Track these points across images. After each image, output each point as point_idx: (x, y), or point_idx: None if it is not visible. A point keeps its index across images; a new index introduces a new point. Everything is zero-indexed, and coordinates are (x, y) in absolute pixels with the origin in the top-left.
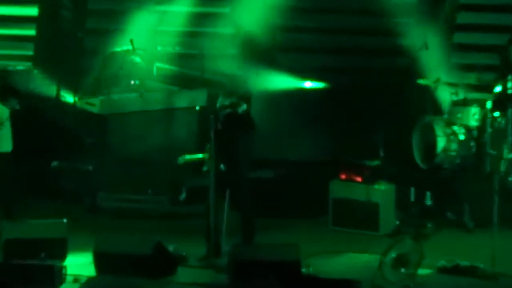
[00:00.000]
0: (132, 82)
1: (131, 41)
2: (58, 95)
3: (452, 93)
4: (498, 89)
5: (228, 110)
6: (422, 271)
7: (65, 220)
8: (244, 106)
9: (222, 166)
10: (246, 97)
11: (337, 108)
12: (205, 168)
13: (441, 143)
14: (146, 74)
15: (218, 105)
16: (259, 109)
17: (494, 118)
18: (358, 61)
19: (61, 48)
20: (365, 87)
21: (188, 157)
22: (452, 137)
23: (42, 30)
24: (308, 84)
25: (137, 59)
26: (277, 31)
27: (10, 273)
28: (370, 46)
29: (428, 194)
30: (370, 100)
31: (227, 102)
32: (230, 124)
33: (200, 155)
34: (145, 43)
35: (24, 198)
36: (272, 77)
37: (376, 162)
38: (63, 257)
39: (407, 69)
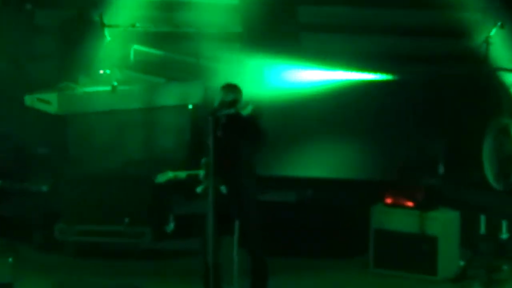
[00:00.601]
0: (101, 71)
1: (100, 15)
2: None
3: None
4: None
5: (231, 110)
6: None
7: (10, 260)
8: (249, 107)
9: (223, 187)
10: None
11: (381, 110)
12: (199, 189)
13: None
14: (120, 60)
15: (218, 103)
16: (274, 112)
17: None
18: (413, 44)
19: (5, 24)
20: (421, 80)
21: (171, 174)
22: None
23: None
24: (342, 76)
25: (108, 39)
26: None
27: None
28: (429, 25)
29: (504, 224)
30: (427, 99)
31: (229, 99)
32: (234, 130)
33: (191, 172)
34: (119, 18)
35: None
36: (292, 67)
37: (433, 182)
38: None
39: (478, 58)
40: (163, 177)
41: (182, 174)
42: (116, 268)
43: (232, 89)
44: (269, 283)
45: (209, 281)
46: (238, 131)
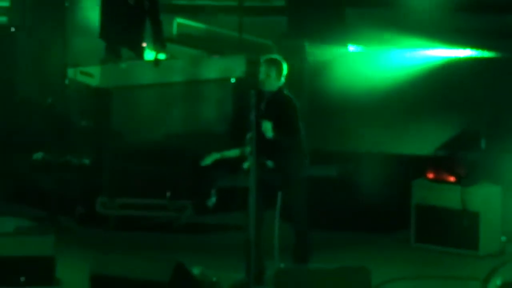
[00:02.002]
0: (144, 44)
1: None
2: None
3: None
4: None
5: (274, 86)
6: None
7: (52, 233)
8: (281, 80)
9: (269, 162)
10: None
11: (422, 84)
12: (246, 166)
13: None
14: (163, 33)
15: (261, 76)
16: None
17: None
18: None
19: None
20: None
21: (217, 155)
22: None
23: None
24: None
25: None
26: None
27: None
28: None
29: None
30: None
31: (273, 73)
32: (278, 103)
33: (237, 152)
34: None
35: None
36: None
37: (475, 156)
38: (49, 281)
39: None
40: (209, 159)
41: (229, 154)
42: (157, 242)
43: (274, 62)
44: (311, 257)
45: (250, 257)
46: (284, 105)
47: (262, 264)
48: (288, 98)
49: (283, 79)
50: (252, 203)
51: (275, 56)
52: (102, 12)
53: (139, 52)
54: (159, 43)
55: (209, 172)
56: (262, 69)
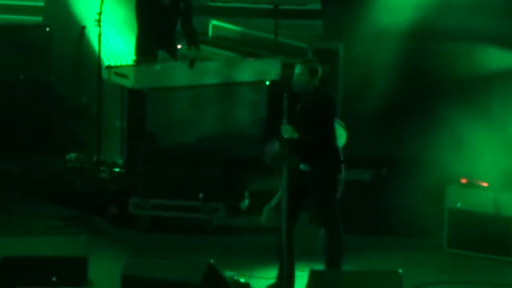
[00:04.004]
0: (179, 46)
1: None
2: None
3: None
4: None
5: (310, 87)
6: None
7: (84, 235)
8: (315, 81)
9: (302, 165)
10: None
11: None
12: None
13: None
14: (198, 35)
15: (295, 78)
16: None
17: None
18: None
19: None
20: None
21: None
22: None
23: None
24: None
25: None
26: None
27: None
28: None
29: None
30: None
31: (306, 74)
32: (313, 104)
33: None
34: None
35: (25, 205)
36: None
37: (509, 161)
38: (81, 282)
39: None
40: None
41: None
42: (189, 244)
43: (308, 63)
44: (343, 260)
45: (283, 258)
46: (318, 108)
47: (293, 267)
48: (324, 97)
49: (317, 81)
50: (285, 205)
51: (310, 58)
52: (138, 16)
53: (173, 53)
54: (193, 44)
55: (242, 174)
56: (297, 71)
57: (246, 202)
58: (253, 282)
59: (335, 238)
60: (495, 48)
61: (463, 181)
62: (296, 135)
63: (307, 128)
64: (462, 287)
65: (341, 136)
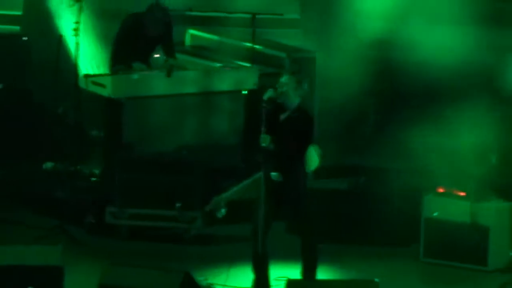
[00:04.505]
0: (157, 55)
1: None
2: (55, 71)
3: None
4: None
5: (295, 101)
6: None
7: (60, 243)
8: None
9: (274, 174)
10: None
11: (432, 94)
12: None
13: None
14: (175, 46)
15: (280, 88)
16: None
17: None
18: None
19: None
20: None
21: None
22: None
23: None
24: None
25: (164, 27)
26: None
27: None
28: None
29: None
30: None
31: (293, 86)
32: (299, 120)
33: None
34: (175, 1)
35: (1, 213)
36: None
37: (486, 171)
38: None
39: None
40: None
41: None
42: (166, 253)
43: (295, 75)
44: (318, 269)
45: (258, 267)
46: (296, 118)
47: (268, 276)
48: (309, 119)
49: (302, 94)
50: (261, 215)
51: (296, 69)
52: (118, 41)
53: (149, 63)
54: (171, 56)
55: (219, 183)
56: (283, 82)
57: (223, 211)
58: None
59: (311, 248)
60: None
61: (440, 190)
62: (272, 145)
63: (286, 141)
64: None
65: (315, 161)
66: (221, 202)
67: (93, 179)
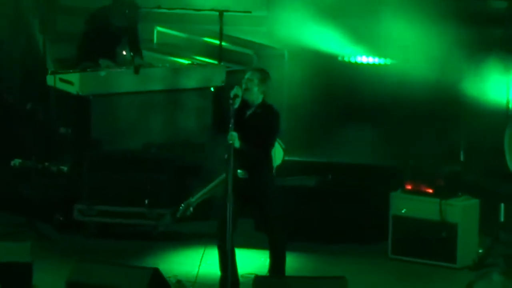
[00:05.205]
0: (124, 52)
1: None
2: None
3: None
4: None
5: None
6: None
7: (29, 240)
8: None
9: (240, 171)
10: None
11: (401, 94)
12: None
13: None
14: (142, 43)
15: (244, 85)
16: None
17: None
18: None
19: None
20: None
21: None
22: None
23: None
24: (364, 59)
25: (130, 21)
26: None
27: None
28: None
29: None
30: (448, 86)
31: (256, 83)
32: (263, 116)
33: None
34: None
35: None
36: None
37: (453, 168)
38: None
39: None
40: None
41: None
42: (135, 250)
43: (258, 72)
44: (286, 267)
45: (226, 264)
46: (261, 115)
47: (236, 273)
48: (275, 114)
49: (266, 90)
50: (229, 212)
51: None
52: (84, 35)
53: (115, 60)
54: (136, 54)
55: (187, 181)
56: (246, 78)
57: (191, 208)
58: None
59: (279, 245)
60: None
61: (408, 187)
62: (237, 143)
63: (251, 138)
64: None
65: (279, 155)
66: (190, 206)
67: (62, 176)
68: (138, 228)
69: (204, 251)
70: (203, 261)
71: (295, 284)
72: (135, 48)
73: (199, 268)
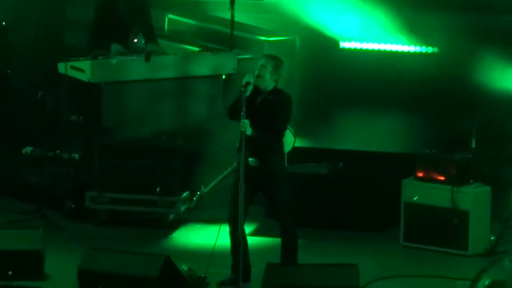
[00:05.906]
0: (135, 40)
1: None
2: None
3: None
4: None
5: (270, 86)
6: None
7: (40, 227)
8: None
9: (251, 159)
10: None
11: (413, 81)
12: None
13: None
14: (154, 30)
15: (257, 72)
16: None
17: None
18: None
19: None
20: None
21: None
22: None
23: None
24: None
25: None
26: None
27: None
28: None
29: None
30: (461, 71)
31: (269, 70)
32: (275, 103)
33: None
34: None
35: None
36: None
37: (465, 155)
38: (37, 276)
39: None
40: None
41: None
42: (147, 237)
43: (272, 58)
44: (298, 254)
45: (237, 253)
46: (273, 102)
47: (248, 261)
48: (286, 99)
49: (279, 77)
50: (241, 200)
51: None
52: (94, 23)
53: (128, 47)
54: (151, 41)
55: (198, 169)
56: (260, 65)
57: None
58: (209, 275)
59: (290, 232)
60: None
61: (420, 174)
62: (249, 130)
63: (263, 124)
64: (418, 280)
65: (290, 141)
66: (203, 196)
67: (73, 164)
68: (149, 216)
69: (218, 232)
70: (215, 248)
71: (307, 272)
72: (149, 35)
73: (213, 251)
